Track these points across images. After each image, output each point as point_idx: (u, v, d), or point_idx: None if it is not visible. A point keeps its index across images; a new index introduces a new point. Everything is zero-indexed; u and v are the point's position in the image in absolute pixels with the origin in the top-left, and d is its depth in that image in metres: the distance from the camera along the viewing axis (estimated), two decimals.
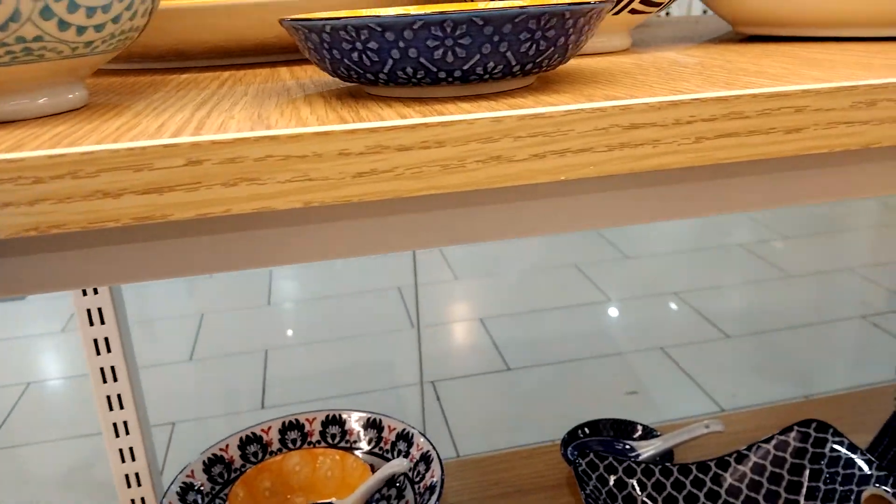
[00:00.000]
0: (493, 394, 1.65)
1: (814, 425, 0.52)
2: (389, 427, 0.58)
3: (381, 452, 0.58)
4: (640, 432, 0.63)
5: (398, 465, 0.49)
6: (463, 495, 0.59)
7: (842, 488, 0.49)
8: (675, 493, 0.52)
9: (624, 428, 0.63)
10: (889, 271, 2.10)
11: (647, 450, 0.61)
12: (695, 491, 0.52)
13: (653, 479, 0.52)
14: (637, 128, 0.20)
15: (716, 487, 0.52)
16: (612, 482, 0.50)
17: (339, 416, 0.60)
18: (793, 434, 0.53)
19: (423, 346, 1.81)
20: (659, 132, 0.20)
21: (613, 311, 1.97)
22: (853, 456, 0.49)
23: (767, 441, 0.53)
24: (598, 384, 1.65)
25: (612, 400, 1.61)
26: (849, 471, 0.49)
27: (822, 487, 0.51)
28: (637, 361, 1.72)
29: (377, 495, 0.57)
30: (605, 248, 2.35)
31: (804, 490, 0.52)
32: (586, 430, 0.63)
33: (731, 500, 0.52)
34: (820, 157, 0.26)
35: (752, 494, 0.52)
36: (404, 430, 0.58)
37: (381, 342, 1.87)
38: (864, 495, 0.48)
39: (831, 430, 0.52)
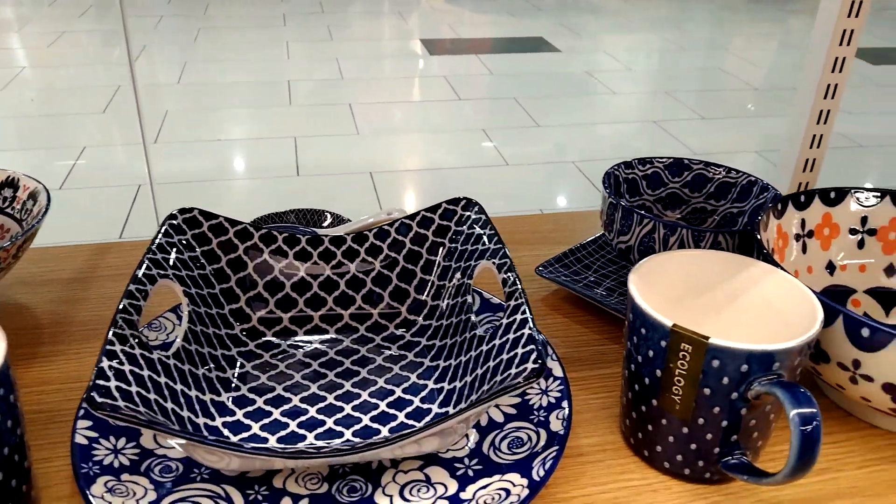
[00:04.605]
0: None
1: (462, 203, 0.47)
2: None
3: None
4: (329, 220, 0.58)
5: None
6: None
7: (464, 264, 0.44)
8: (297, 262, 0.46)
9: (313, 217, 0.58)
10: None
11: (346, 231, 0.56)
12: (321, 262, 0.46)
13: (273, 246, 0.46)
14: None
15: (346, 261, 0.47)
16: (215, 243, 0.45)
17: None
18: (440, 211, 0.47)
19: (310, 193, 1.74)
20: None
21: (507, 175, 1.90)
22: (483, 231, 0.44)
23: (412, 217, 0.47)
24: None
25: None
26: (474, 247, 0.44)
27: (452, 265, 0.45)
28: None
29: None
30: (520, 115, 2.26)
31: (438, 269, 0.46)
32: (275, 219, 0.57)
33: (361, 276, 0.47)
34: None
35: (386, 272, 0.47)
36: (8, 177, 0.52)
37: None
38: (477, 269, 0.43)
39: (476, 208, 0.46)
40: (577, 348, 0.48)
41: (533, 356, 0.33)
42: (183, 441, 0.30)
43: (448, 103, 2.34)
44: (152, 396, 0.34)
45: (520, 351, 0.34)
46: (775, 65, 2.85)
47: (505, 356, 0.35)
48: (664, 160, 0.58)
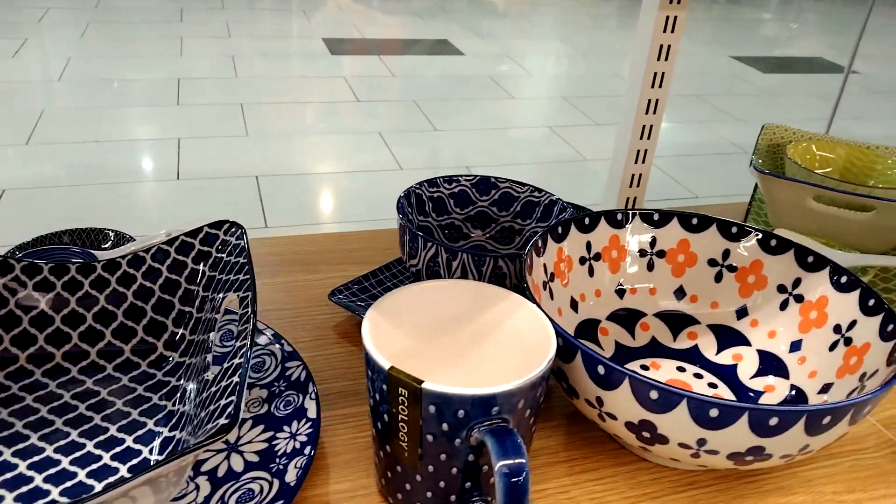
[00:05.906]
0: None
1: (224, 226, 0.43)
2: None
3: None
4: (112, 241, 0.53)
5: None
6: None
7: (219, 295, 0.41)
8: (37, 294, 0.42)
9: (93, 237, 0.53)
10: (679, 161, 2.10)
11: (107, 257, 0.51)
12: (65, 294, 0.42)
13: (8, 276, 0.41)
14: None
15: (94, 292, 0.42)
16: None
17: None
18: (201, 236, 0.43)
19: (189, 198, 1.66)
20: None
21: (399, 180, 1.87)
22: (238, 260, 0.40)
23: (170, 243, 0.43)
24: None
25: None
26: (227, 276, 0.41)
27: (210, 296, 0.42)
28: None
29: None
30: (418, 119, 2.24)
31: (198, 300, 0.43)
32: (46, 241, 0.52)
33: (112, 308, 0.43)
34: None
35: (140, 304, 0.43)
36: None
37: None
38: (224, 302, 0.40)
39: (238, 233, 0.43)
40: (357, 380, 0.45)
41: (229, 409, 0.30)
42: None
43: (346, 105, 2.30)
44: None
45: (223, 402, 0.31)
46: (676, 73, 2.92)
47: (213, 406, 0.32)
48: (471, 178, 0.56)
